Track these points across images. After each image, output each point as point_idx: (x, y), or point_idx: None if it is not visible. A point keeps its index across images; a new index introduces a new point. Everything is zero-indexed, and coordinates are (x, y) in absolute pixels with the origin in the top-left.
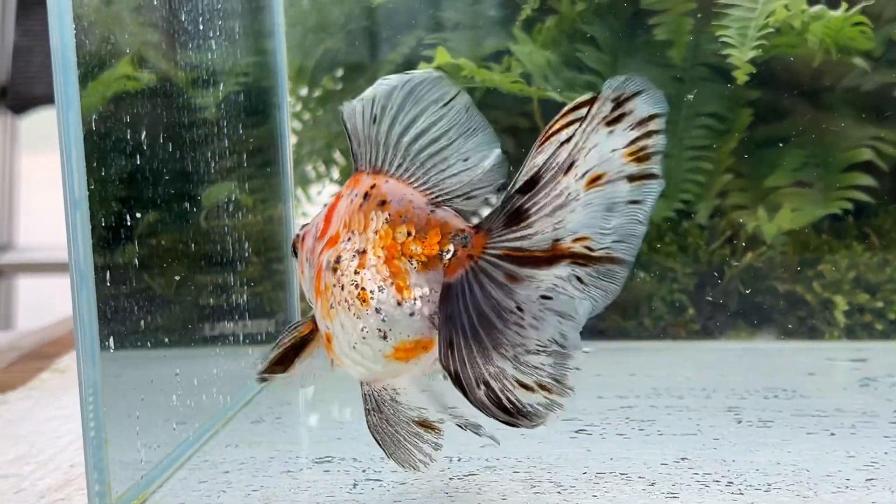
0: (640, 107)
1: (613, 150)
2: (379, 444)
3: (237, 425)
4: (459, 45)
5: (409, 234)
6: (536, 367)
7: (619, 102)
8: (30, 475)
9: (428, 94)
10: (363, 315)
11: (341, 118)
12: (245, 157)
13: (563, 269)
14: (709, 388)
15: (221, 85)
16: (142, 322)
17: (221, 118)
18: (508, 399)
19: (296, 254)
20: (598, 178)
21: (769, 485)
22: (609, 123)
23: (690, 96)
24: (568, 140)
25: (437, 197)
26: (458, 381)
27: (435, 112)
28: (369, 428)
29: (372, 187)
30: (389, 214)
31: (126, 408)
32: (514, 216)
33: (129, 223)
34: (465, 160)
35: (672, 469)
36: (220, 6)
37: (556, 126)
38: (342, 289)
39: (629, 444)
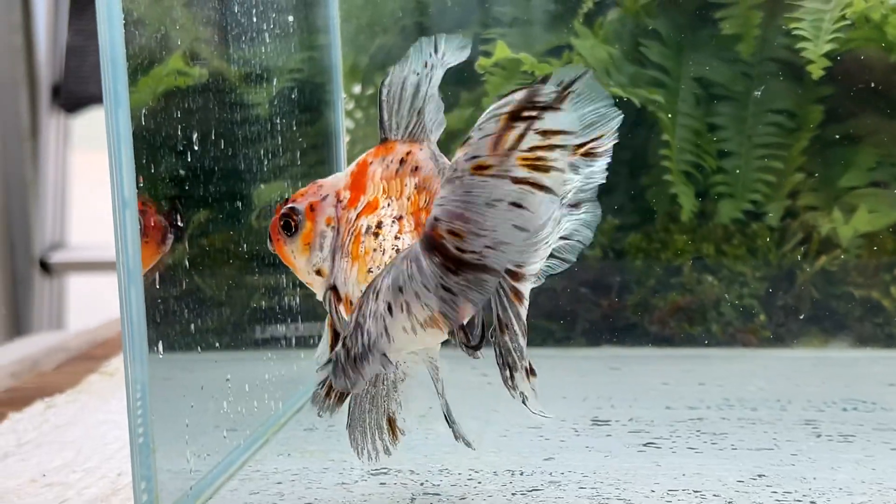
0: (554, 118)
1: (508, 147)
2: (348, 410)
3: (289, 433)
4: (517, 40)
5: (426, 201)
6: None
7: (535, 104)
8: (76, 483)
9: None
10: None
11: (382, 83)
12: (298, 155)
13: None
14: (784, 399)
15: (274, 81)
16: (192, 325)
17: (273, 115)
18: None
19: (289, 229)
20: (484, 167)
21: None
22: (513, 118)
23: (758, 92)
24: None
25: None
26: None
27: None
28: (349, 392)
29: (408, 153)
30: (417, 181)
31: (175, 414)
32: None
33: (178, 223)
34: None
35: (749, 487)
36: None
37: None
38: (383, 253)
39: (701, 459)
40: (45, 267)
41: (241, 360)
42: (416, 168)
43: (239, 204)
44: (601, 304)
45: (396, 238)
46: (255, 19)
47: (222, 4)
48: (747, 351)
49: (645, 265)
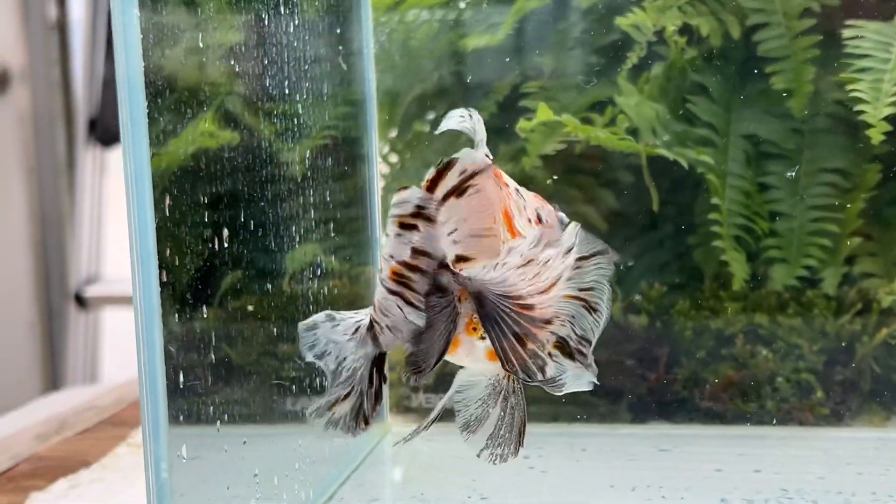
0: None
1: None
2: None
3: None
4: (557, 93)
5: None
6: None
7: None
8: None
9: None
10: None
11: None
12: (330, 213)
13: None
14: (846, 490)
15: (306, 139)
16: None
17: (306, 174)
18: None
19: None
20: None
21: None
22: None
23: (791, 174)
24: None
25: None
26: None
27: None
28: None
29: None
30: None
31: None
32: None
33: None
34: None
35: None
36: (308, 54)
37: None
38: None
39: None
40: (80, 301)
41: (268, 443)
42: None
43: (271, 267)
44: (649, 378)
45: None
46: (288, 75)
47: (255, 61)
48: (804, 430)
49: (694, 335)
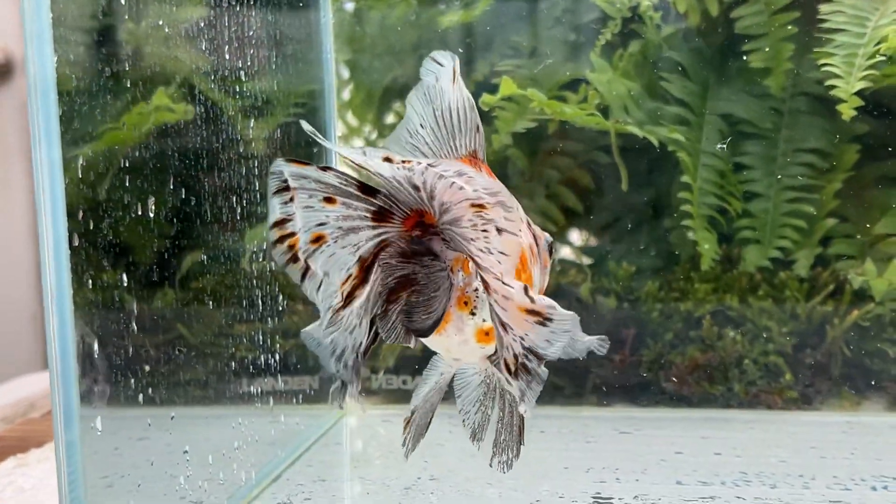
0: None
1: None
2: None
3: None
4: (535, 72)
5: None
6: None
7: None
8: None
9: None
10: None
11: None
12: None
13: None
14: (807, 474)
15: (268, 116)
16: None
17: (268, 150)
18: None
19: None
20: None
21: None
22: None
23: (722, 146)
24: None
25: None
26: None
27: None
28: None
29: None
30: None
31: (117, 494)
32: None
33: (163, 266)
34: None
35: None
36: (264, 33)
37: None
38: None
39: None
40: None
41: (206, 423)
42: None
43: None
44: (614, 359)
45: None
46: (250, 53)
47: (208, 40)
48: (771, 414)
49: (662, 316)
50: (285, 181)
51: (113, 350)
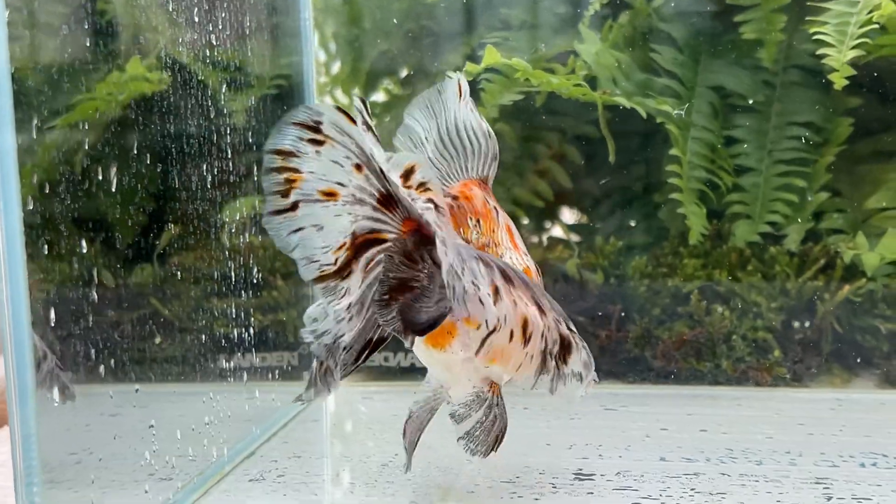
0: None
1: None
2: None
3: (231, 484)
4: (522, 44)
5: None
6: None
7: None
8: None
9: None
10: None
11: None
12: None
13: None
14: (794, 451)
15: (244, 91)
16: (110, 358)
17: (244, 123)
18: None
19: None
20: None
21: None
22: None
23: (680, 111)
24: None
25: None
26: None
27: None
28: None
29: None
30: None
31: (75, 472)
32: None
33: (140, 240)
34: None
35: None
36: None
37: None
38: None
39: None
40: None
41: (178, 399)
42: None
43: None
44: (600, 335)
45: None
46: (226, 22)
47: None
48: (760, 390)
49: (650, 292)
50: (318, 122)
51: (76, 324)
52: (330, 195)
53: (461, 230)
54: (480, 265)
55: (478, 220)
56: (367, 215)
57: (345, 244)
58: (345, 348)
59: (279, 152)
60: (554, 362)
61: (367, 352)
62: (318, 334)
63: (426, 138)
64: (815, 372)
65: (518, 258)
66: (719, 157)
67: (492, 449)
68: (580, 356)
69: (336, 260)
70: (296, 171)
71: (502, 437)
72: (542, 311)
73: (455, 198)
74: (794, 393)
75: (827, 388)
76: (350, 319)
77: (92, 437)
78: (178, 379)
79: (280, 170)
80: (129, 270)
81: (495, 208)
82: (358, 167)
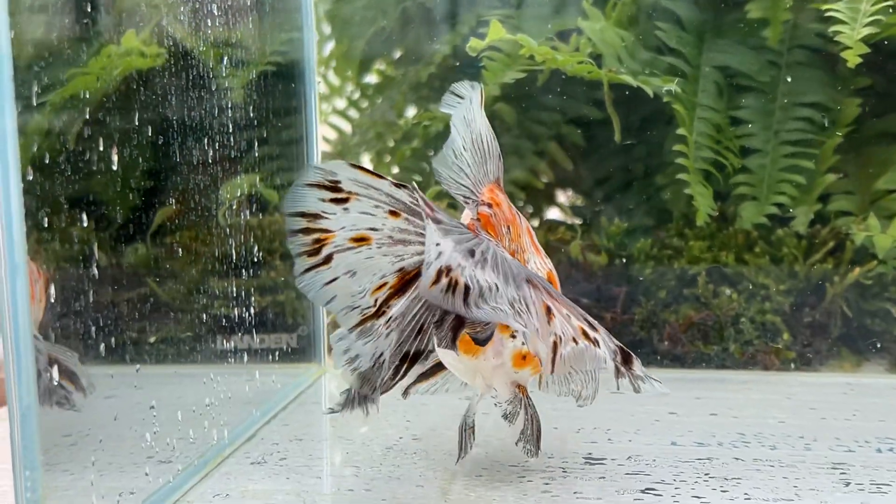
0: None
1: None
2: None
3: (232, 467)
4: (524, 22)
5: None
6: None
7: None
8: None
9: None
10: None
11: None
12: (268, 147)
13: None
14: (808, 435)
15: (242, 67)
16: (112, 337)
17: (243, 102)
18: None
19: None
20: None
21: None
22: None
23: (670, 88)
24: None
25: None
26: None
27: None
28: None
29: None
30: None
31: (77, 453)
32: None
33: (132, 219)
34: None
35: None
36: None
37: None
38: None
39: None
40: None
41: (179, 380)
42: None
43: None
44: (605, 317)
45: None
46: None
47: None
48: (768, 374)
49: (656, 274)
50: (336, 181)
51: (79, 305)
52: (362, 240)
53: (498, 239)
54: (530, 289)
55: (508, 227)
56: (416, 251)
57: (385, 283)
58: (382, 365)
59: (303, 216)
60: (623, 369)
61: (405, 366)
62: (352, 358)
63: (464, 148)
64: (824, 356)
65: (540, 262)
66: (725, 138)
67: (538, 447)
68: (638, 362)
69: (376, 301)
70: (325, 231)
71: (541, 434)
72: (591, 325)
73: (489, 206)
74: (804, 377)
75: (837, 373)
76: (388, 335)
77: (91, 419)
78: (176, 360)
79: (307, 231)
80: (124, 250)
81: (516, 211)
82: (393, 213)
